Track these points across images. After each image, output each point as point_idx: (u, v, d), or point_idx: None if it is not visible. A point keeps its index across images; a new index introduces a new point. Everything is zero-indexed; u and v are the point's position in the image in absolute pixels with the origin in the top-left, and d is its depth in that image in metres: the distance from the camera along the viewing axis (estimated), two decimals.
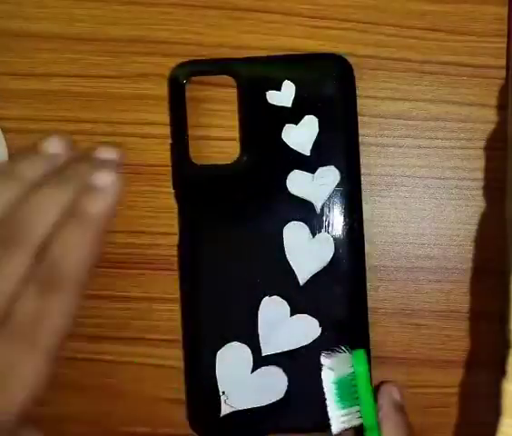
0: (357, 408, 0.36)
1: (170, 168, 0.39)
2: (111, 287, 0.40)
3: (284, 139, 0.38)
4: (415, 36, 0.39)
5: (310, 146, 0.38)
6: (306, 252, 0.38)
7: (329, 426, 0.36)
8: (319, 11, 0.39)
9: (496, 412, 0.31)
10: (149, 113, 0.39)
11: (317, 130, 0.38)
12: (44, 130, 0.39)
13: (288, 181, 0.38)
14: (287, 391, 0.38)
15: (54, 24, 0.39)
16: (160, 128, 0.39)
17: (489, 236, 0.39)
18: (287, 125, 0.38)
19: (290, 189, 0.38)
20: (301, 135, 0.38)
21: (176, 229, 0.39)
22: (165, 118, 0.39)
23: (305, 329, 0.38)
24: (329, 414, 0.36)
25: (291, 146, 0.38)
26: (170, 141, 0.39)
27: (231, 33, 0.39)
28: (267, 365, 0.38)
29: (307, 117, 0.38)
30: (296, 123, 0.38)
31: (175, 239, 0.39)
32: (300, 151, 0.38)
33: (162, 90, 0.39)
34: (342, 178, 0.38)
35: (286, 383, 0.38)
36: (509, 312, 0.32)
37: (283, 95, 0.38)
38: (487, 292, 0.39)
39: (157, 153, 0.39)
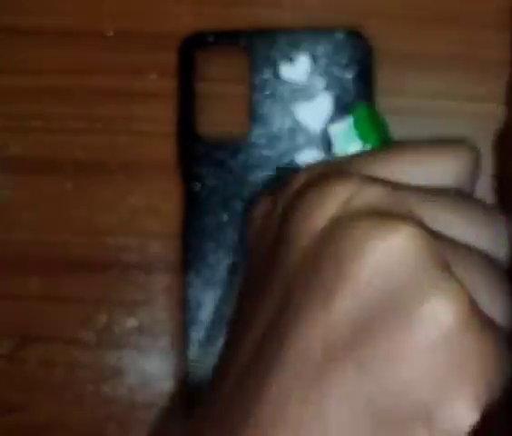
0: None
1: (168, 167, 0.38)
2: (109, 289, 0.39)
3: (296, 116, 0.37)
4: (415, 35, 0.38)
5: (323, 125, 0.37)
6: None
7: None
8: None
9: None
10: (143, 109, 0.39)
11: (330, 108, 0.37)
12: (35, 127, 0.39)
13: (298, 159, 0.37)
14: None
15: (46, 19, 0.39)
16: (155, 125, 0.39)
17: None
18: (299, 102, 0.37)
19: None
20: (314, 113, 0.37)
21: (175, 229, 0.38)
22: (160, 115, 0.39)
23: None
24: None
25: (303, 123, 0.37)
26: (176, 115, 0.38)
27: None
28: None
29: (320, 94, 0.37)
30: (309, 100, 0.37)
31: (174, 238, 0.38)
32: (311, 129, 0.37)
33: (157, 86, 0.39)
34: None
35: None
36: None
37: (297, 70, 0.37)
38: None
39: (152, 150, 0.39)
